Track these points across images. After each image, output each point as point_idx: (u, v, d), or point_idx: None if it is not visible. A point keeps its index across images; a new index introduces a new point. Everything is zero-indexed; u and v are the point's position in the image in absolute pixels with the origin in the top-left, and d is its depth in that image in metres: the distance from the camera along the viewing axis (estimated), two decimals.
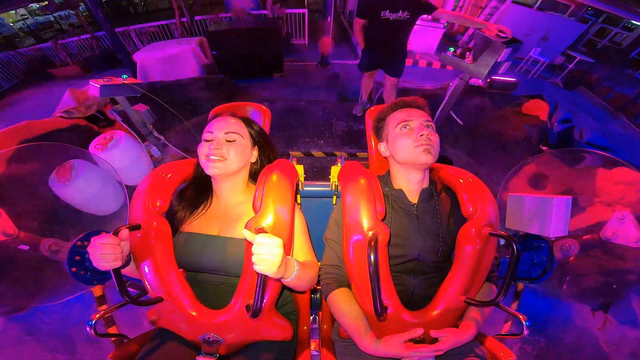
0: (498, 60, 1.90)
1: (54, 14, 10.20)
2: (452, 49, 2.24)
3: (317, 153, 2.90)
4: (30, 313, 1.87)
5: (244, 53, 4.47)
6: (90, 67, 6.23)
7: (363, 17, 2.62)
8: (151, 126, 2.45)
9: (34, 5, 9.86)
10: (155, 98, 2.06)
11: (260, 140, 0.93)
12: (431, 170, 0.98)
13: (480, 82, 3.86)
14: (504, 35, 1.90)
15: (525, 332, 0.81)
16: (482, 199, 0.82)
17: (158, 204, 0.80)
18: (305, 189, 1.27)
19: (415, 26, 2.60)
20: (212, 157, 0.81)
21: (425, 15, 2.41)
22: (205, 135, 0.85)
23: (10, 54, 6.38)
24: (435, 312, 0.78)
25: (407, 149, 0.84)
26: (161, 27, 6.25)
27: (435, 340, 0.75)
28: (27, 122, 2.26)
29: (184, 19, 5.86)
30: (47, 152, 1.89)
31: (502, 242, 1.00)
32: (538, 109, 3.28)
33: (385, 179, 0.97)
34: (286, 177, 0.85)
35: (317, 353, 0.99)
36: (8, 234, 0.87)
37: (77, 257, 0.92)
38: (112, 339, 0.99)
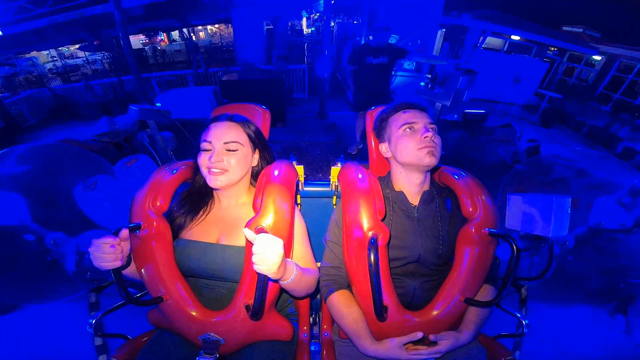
0: (458, 87, 2.37)
1: (83, 58, 11.20)
2: (423, 84, 2.78)
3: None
4: (24, 313, 1.87)
5: (251, 101, 4.99)
6: (111, 109, 6.74)
7: (353, 64, 3.29)
8: (171, 152, 2.83)
9: (64, 49, 10.94)
10: (179, 126, 2.47)
11: (259, 142, 0.91)
12: (432, 171, 0.95)
13: (455, 116, 4.40)
14: (460, 67, 2.40)
15: (525, 332, 0.81)
16: (482, 199, 0.82)
17: (158, 203, 0.79)
18: (305, 189, 1.28)
19: (403, 77, 3.24)
20: (214, 170, 0.79)
21: (401, 59, 3.02)
22: (204, 145, 0.81)
23: (42, 90, 7.04)
24: (435, 313, 0.78)
25: (411, 151, 0.83)
26: (178, 76, 7.00)
27: (435, 342, 0.75)
28: (65, 139, 2.62)
29: (200, 70, 6.63)
30: (80, 159, 2.16)
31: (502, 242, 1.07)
32: (509, 135, 3.73)
33: (386, 180, 0.96)
34: (286, 177, 0.85)
35: (317, 353, 1.02)
36: (21, 221, 0.89)
37: (77, 257, 0.92)
38: (112, 339, 1.00)
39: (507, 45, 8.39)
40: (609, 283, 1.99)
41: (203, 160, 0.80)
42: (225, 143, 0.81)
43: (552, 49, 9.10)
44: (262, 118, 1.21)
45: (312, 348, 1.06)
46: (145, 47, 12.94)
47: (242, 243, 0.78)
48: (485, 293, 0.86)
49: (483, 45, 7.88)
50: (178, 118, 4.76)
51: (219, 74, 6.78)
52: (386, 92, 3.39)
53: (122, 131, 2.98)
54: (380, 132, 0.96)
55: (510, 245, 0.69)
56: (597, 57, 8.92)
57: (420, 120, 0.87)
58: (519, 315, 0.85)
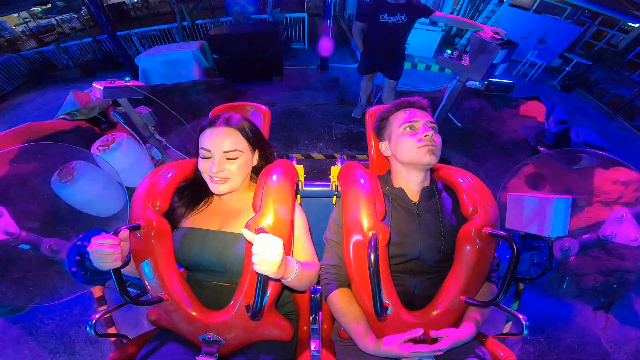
0: (494, 62, 1.93)
1: (56, 17, 10.29)
2: (449, 51, 2.28)
3: (317, 155, 2.92)
4: (30, 314, 1.88)
5: (244, 57, 4.52)
6: (92, 70, 6.32)
7: (362, 21, 2.67)
8: (152, 128, 2.47)
9: (37, 9, 9.96)
10: (157, 100, 2.10)
11: (258, 142, 0.91)
12: (432, 170, 0.97)
13: (477, 84, 3.91)
14: (500, 37, 1.94)
15: (525, 332, 0.81)
16: (482, 198, 0.82)
17: (158, 204, 0.80)
18: (305, 189, 1.27)
19: (414, 29, 2.65)
20: (215, 179, 0.80)
21: (423, 18, 2.46)
22: (202, 152, 0.82)
23: (12, 56, 6.44)
24: (435, 312, 0.78)
25: (411, 150, 0.85)
26: (162, 31, 6.31)
27: (435, 340, 0.74)
28: (30, 123, 2.29)
29: (185, 23, 5.93)
30: (49, 152, 1.90)
31: (502, 242, 0.98)
32: (535, 110, 3.32)
33: (386, 178, 0.97)
34: (286, 177, 0.85)
35: (317, 353, 0.99)
36: (10, 233, 0.86)
37: (77, 257, 0.91)
38: (112, 339, 0.99)
39: (537, 3, 7.40)
40: (603, 282, 1.98)
41: (204, 167, 0.82)
42: (225, 152, 0.81)
43: (587, 11, 8.10)
44: (262, 118, 1.22)
45: (312, 348, 1.03)
46: (125, 0, 11.66)
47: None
48: (486, 292, 0.86)
49: (510, 2, 6.96)
50: (161, 84, 4.35)
51: (208, 26, 6.15)
52: (400, 56, 2.84)
53: (95, 105, 2.58)
54: (380, 130, 0.97)
55: (510, 245, 0.68)
56: (635, 25, 8.00)
57: (420, 119, 0.87)
58: (519, 315, 0.82)
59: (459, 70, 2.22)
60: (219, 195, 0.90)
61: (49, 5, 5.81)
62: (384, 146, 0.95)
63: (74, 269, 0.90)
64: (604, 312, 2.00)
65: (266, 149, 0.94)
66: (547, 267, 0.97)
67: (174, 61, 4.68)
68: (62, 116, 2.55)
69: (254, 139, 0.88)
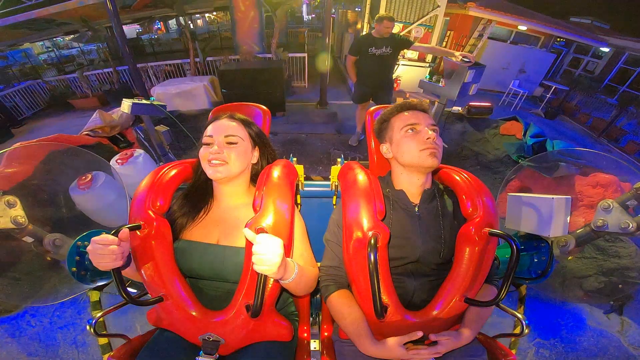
0: (465, 82, 2.26)
1: (78, 48, 11.04)
2: (427, 77, 2.65)
3: (316, 177, 3.22)
4: (18, 315, 1.86)
5: (250, 91, 4.87)
6: (109, 100, 6.69)
7: (355, 54, 3.13)
8: (168, 147, 2.76)
9: (60, 40, 10.73)
10: (174, 119, 2.39)
11: (260, 140, 0.92)
12: (433, 172, 0.95)
13: (460, 109, 4.29)
14: (467, 60, 2.30)
15: (525, 331, 0.80)
16: (482, 198, 0.82)
17: (158, 204, 0.79)
18: (305, 189, 1.29)
19: (404, 67, 3.09)
20: (214, 162, 0.80)
21: (405, 50, 2.88)
22: (205, 139, 0.84)
23: (36, 82, 6.91)
24: (435, 312, 0.78)
25: (413, 152, 0.83)
26: (175, 66, 6.86)
27: (434, 342, 0.75)
28: (58, 135, 2.55)
29: (197, 59, 6.46)
30: (71, 160, 2.09)
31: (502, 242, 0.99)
32: (514, 129, 3.64)
33: (386, 180, 0.96)
34: (286, 177, 0.85)
35: (317, 353, 1.01)
36: (18, 223, 0.87)
37: (77, 257, 0.91)
38: (111, 339, 0.99)
39: (513, 35, 8.18)
40: (607, 282, 2.03)
41: (204, 153, 0.82)
42: (226, 136, 0.84)
43: (559, 39, 8.88)
44: (262, 118, 1.22)
45: (312, 348, 1.05)
46: (142, 37, 12.65)
47: (242, 244, 0.78)
48: (486, 293, 0.85)
49: (489, 35, 7.68)
50: (175, 110, 4.75)
51: (217, 63, 6.67)
52: (389, 84, 3.25)
53: (117, 124, 2.89)
54: (381, 132, 0.96)
55: (510, 245, 0.68)
56: (605, 49, 8.72)
57: (422, 121, 0.86)
58: (519, 315, 0.84)
59: (438, 92, 2.56)
60: (216, 183, 0.89)
61: (78, 34, 6.40)
62: (385, 148, 0.93)
63: (74, 269, 0.89)
64: (617, 314, 1.97)
65: (267, 148, 0.95)
66: (547, 267, 0.96)
67: (187, 93, 5.09)
68: (86, 132, 2.85)
69: (255, 135, 0.91)
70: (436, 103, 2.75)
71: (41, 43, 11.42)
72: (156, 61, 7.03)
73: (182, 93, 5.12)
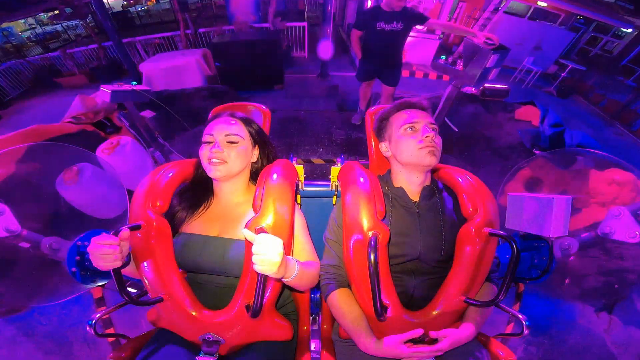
0: (487, 66, 2.01)
1: (61, 24, 10.49)
2: (444, 57, 2.37)
3: (317, 160, 2.99)
4: (27, 314, 1.87)
5: (246, 65, 4.60)
6: (97, 77, 6.39)
7: (360, 29, 2.77)
8: (156, 132, 2.55)
9: (43, 15, 10.15)
10: (162, 105, 2.17)
11: (260, 139, 0.93)
12: (432, 170, 0.96)
13: (473, 89, 4.00)
14: (492, 42, 2.02)
15: (525, 331, 0.81)
16: (482, 198, 0.82)
17: (158, 204, 0.80)
18: (305, 189, 1.27)
19: (412, 38, 2.76)
20: (214, 160, 0.81)
21: (418, 26, 2.55)
22: (206, 138, 0.85)
23: (18, 62, 6.54)
24: (435, 312, 0.77)
25: (412, 151, 0.84)
26: (166, 39, 6.43)
27: (435, 341, 0.74)
28: (36, 126, 2.33)
29: (188, 31, 6.06)
30: (55, 153, 1.94)
31: (502, 242, 0.98)
32: (530, 114, 3.39)
33: (386, 178, 0.97)
34: (286, 177, 0.85)
35: (317, 353, 1.00)
36: (11, 231, 0.86)
37: (77, 257, 0.91)
38: (111, 339, 0.98)
39: (531, 11, 7.59)
40: (604, 282, 1.95)
41: (204, 152, 0.83)
42: (226, 135, 0.85)
43: (579, 17, 8.29)
44: (262, 117, 1.23)
45: (312, 348, 1.05)
46: (130, 9, 11.92)
47: (242, 237, 0.75)
48: (486, 292, 0.85)
49: (505, 10, 7.14)
50: (165, 89, 4.44)
51: (211, 35, 6.25)
52: (397, 63, 2.92)
53: (101, 109, 2.66)
54: (381, 131, 0.97)
55: (511, 245, 0.68)
56: (629, 30, 8.17)
57: (421, 119, 0.87)
58: (519, 315, 0.83)
59: (454, 75, 2.29)
60: (216, 181, 0.90)
61: (57, 11, 5.96)
62: (384, 147, 0.95)
63: (74, 269, 0.90)
64: (606, 313, 1.98)
65: (267, 147, 0.96)
66: (547, 267, 0.96)
67: (178, 68, 4.79)
68: (68, 120, 2.62)
69: (256, 133, 0.92)
70: (451, 87, 2.49)
71: (23, 20, 10.75)
72: (146, 34, 6.59)
73: (173, 69, 4.80)
